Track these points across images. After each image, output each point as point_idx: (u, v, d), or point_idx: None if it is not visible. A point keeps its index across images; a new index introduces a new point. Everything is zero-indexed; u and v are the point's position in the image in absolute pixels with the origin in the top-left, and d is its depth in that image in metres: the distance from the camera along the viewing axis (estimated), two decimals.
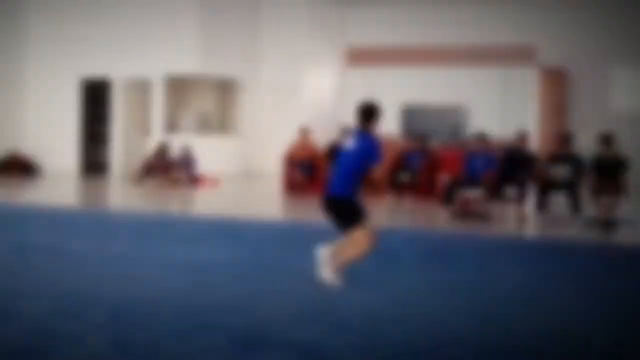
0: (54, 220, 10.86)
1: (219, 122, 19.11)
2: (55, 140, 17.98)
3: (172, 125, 17.87)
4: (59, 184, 16.40)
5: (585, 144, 14.96)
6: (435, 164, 14.51)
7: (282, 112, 18.64)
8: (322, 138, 16.32)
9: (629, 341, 5.32)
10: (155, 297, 6.25)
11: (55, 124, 18.01)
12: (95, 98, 18.30)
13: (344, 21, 20.01)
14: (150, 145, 17.25)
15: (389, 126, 16.27)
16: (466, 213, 11.92)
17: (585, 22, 18.00)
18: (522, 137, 12.58)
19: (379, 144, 6.80)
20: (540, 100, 17.13)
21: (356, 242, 6.67)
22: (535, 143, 15.51)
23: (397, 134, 16.25)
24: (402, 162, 14.64)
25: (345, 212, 6.74)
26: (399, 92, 16.57)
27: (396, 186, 14.34)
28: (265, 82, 19.08)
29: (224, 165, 17.84)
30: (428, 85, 16.48)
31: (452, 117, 16.04)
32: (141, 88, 17.80)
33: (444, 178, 13.21)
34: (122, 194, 15.36)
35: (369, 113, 6.87)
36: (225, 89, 19.10)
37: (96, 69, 17.76)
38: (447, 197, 11.92)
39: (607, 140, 11.51)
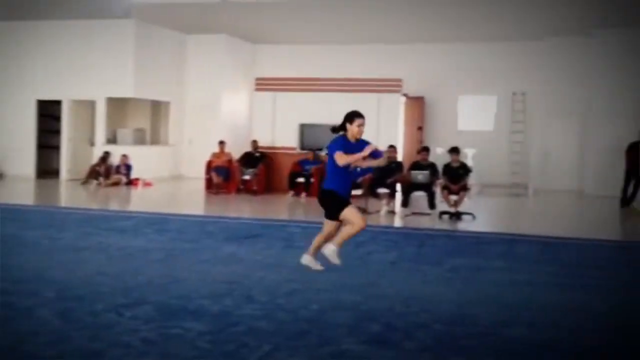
0: (13, 215, 10.41)
1: (152, 135, 18.75)
2: (15, 150, 17.29)
3: (112, 138, 17.44)
4: (18, 186, 15.72)
5: (439, 154, 15.50)
6: (325, 169, 14.68)
7: (204, 127, 18.44)
8: (236, 148, 16.27)
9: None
10: (96, 278, 6.12)
11: (15, 137, 17.30)
12: (49, 115, 17.69)
13: (254, 56, 20.01)
14: (95, 153, 16.79)
15: (289, 140, 16.40)
16: None
17: (438, 63, 18.59)
18: (392, 149, 12.86)
19: (337, 142, 6.16)
20: (405, 120, 17.56)
21: (351, 222, 6.14)
22: (402, 154, 15.89)
23: (296, 146, 16.33)
24: (299, 167, 14.77)
25: (329, 204, 6.31)
26: (297, 113, 16.61)
27: (294, 186, 14.48)
28: (191, 103, 18.85)
29: (156, 170, 17.52)
30: (320, 107, 16.58)
31: (338, 133, 16.19)
32: (87, 107, 17.30)
33: None
34: (70, 194, 14.84)
35: (343, 119, 6.30)
36: (157, 109, 18.75)
37: (50, 92, 17.16)
38: None
39: (454, 151, 11.89)
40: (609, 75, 16.22)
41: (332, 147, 6.21)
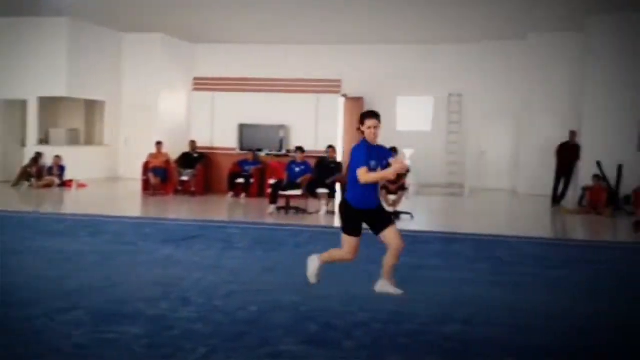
0: None
1: (87, 135, 18.30)
2: None
3: (45, 139, 16.94)
4: None
5: None
6: (265, 170, 14.65)
7: (141, 127, 18.12)
8: (174, 149, 16.05)
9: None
10: (30, 282, 5.93)
11: None
12: None
13: (193, 55, 19.78)
14: (26, 154, 16.25)
15: (228, 140, 16.27)
16: (288, 208, 12.11)
17: (377, 64, 18.82)
18: (331, 149, 12.93)
19: (361, 151, 5.48)
20: (345, 121, 17.69)
21: (342, 247, 5.73)
22: (341, 154, 16.00)
23: (235, 146, 16.22)
24: (239, 168, 14.68)
25: (341, 218, 5.76)
26: (236, 113, 16.50)
27: (233, 187, 14.37)
28: (127, 103, 18.48)
29: (91, 171, 17.11)
30: (260, 107, 16.54)
31: (278, 133, 16.19)
32: (18, 107, 16.75)
33: (271, 181, 13.33)
34: (1, 197, 14.31)
35: (358, 121, 5.57)
36: (91, 108, 18.31)
37: None
38: (273, 195, 12.05)
39: (393, 151, 12.02)
40: (542, 77, 16.74)
41: (358, 158, 5.48)
